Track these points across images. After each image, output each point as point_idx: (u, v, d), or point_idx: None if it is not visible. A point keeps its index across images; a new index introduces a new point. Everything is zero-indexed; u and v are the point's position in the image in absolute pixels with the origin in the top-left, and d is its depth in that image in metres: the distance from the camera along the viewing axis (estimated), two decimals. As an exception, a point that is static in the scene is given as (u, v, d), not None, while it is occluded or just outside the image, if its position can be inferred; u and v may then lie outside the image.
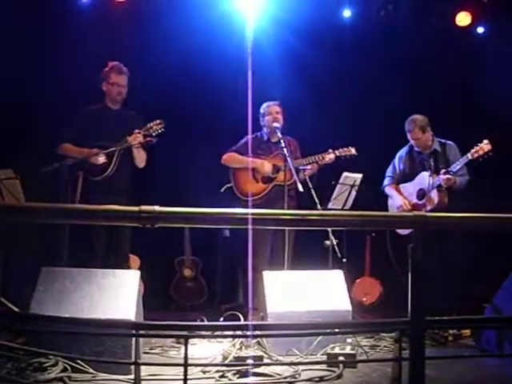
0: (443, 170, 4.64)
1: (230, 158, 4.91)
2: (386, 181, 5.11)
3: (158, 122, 4.35)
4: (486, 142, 4.50)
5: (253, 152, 4.88)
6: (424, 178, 4.75)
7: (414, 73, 6.44)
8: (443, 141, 4.90)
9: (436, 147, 4.87)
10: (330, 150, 4.82)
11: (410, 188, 4.92)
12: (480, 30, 6.39)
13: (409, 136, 4.89)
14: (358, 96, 6.54)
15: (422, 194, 4.79)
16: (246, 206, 4.73)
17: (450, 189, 4.68)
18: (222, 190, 5.17)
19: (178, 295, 5.92)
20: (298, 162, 4.79)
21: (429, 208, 4.71)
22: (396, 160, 5.10)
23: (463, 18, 6.31)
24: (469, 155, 4.55)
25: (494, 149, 4.49)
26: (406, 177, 4.99)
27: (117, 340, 3.21)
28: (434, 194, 4.69)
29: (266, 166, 4.82)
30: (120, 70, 4.48)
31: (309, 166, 4.78)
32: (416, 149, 4.93)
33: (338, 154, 4.83)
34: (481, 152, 4.49)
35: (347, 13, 6.51)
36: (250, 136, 4.94)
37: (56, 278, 3.49)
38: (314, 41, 6.31)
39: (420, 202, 4.79)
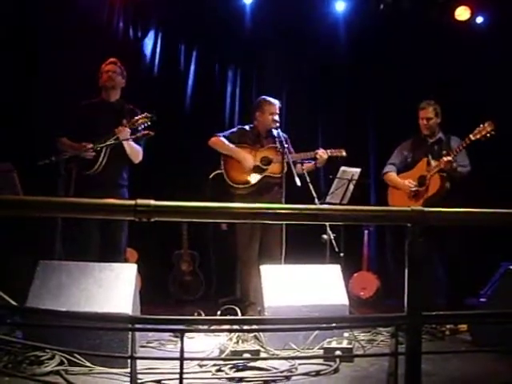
0: (444, 152, 4.62)
1: (218, 142, 4.80)
2: (387, 168, 5.06)
3: (144, 115, 4.27)
4: (488, 122, 4.43)
5: (242, 143, 4.84)
6: (425, 164, 4.74)
7: (414, 69, 6.44)
8: (448, 134, 4.89)
9: (441, 136, 4.87)
10: (322, 149, 4.79)
11: (410, 176, 4.87)
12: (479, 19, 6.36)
13: (421, 114, 4.83)
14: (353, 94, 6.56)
15: (422, 180, 4.76)
16: (235, 194, 4.72)
17: (451, 175, 4.65)
18: (211, 177, 5.16)
19: (176, 289, 5.92)
20: (295, 156, 4.77)
21: (431, 193, 4.69)
22: (399, 148, 5.08)
23: (462, 13, 6.27)
24: (471, 136, 4.48)
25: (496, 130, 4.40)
26: (408, 165, 4.96)
27: (113, 334, 3.21)
28: (436, 178, 4.67)
29: (248, 161, 4.74)
30: (109, 61, 4.50)
31: (307, 160, 4.77)
32: (420, 136, 4.90)
33: (329, 154, 4.81)
34: (483, 132, 4.41)
35: (340, 5, 6.48)
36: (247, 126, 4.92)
37: (53, 271, 3.48)
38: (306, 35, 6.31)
39: (421, 189, 4.76)
